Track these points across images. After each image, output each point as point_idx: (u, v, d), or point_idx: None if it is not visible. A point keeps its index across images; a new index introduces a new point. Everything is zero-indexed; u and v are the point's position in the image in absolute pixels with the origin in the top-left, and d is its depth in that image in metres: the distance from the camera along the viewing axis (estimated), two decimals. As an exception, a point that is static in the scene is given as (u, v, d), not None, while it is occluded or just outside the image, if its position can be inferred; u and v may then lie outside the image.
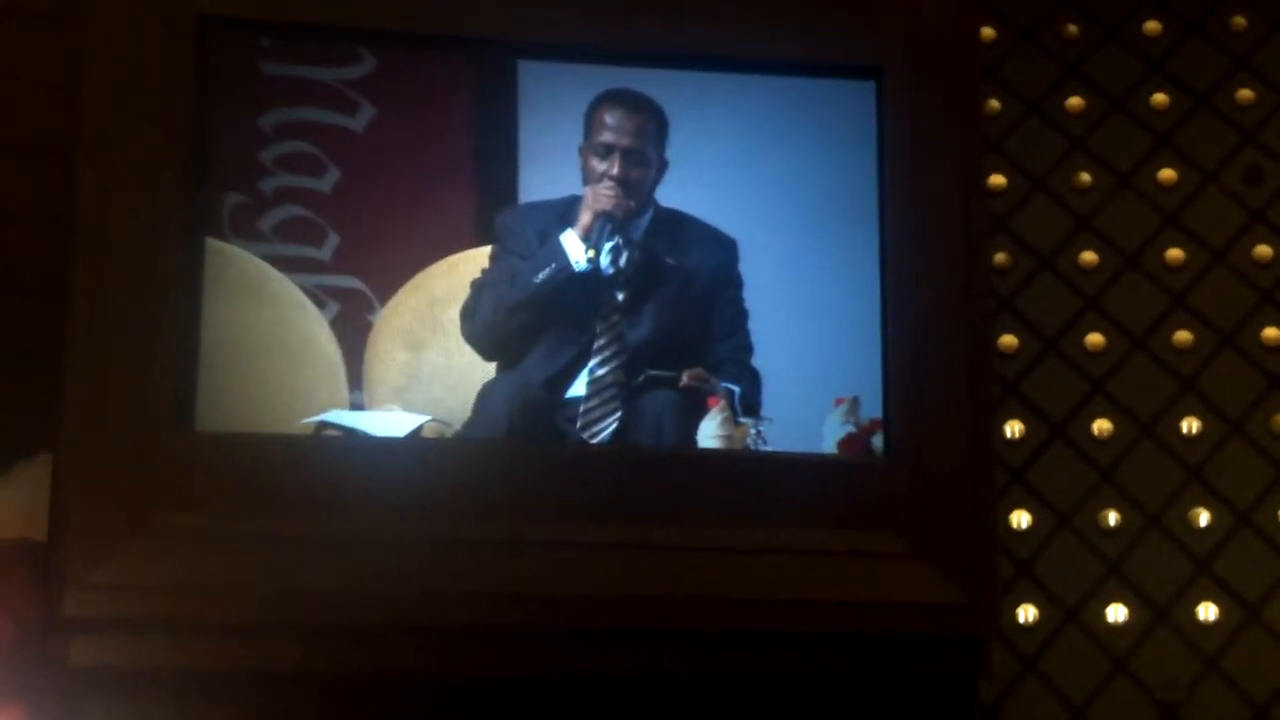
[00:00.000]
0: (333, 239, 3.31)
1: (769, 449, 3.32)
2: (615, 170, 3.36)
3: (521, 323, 3.32)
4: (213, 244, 3.20)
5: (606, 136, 3.38)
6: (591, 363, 3.32)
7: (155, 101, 3.15)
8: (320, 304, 3.27)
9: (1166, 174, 3.71)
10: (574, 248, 3.35)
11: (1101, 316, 3.61)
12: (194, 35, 3.21)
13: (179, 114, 3.17)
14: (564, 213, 3.38)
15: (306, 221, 3.31)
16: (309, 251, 3.30)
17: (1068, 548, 3.46)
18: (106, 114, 3.13)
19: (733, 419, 3.31)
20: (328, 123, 3.35)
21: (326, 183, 3.33)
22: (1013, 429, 3.51)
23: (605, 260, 3.36)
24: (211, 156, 3.24)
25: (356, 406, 3.25)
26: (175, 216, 3.14)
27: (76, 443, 2.98)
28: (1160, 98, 3.76)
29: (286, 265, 3.26)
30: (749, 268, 3.40)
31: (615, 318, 3.35)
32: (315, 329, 3.25)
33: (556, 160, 3.40)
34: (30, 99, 3.19)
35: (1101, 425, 3.53)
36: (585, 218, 3.36)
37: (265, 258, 3.24)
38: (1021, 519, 3.46)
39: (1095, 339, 3.58)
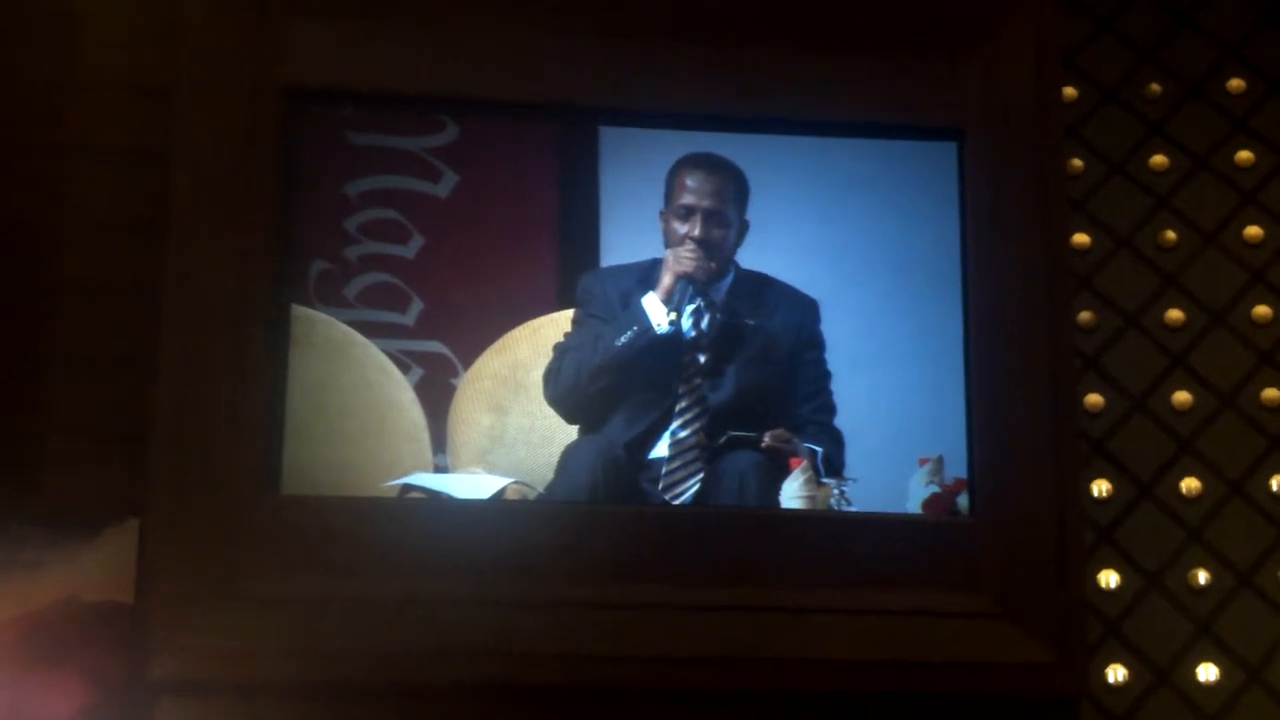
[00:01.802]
0: (417, 304, 3.35)
1: (853, 509, 3.31)
2: (696, 231, 3.38)
3: (604, 386, 3.34)
4: (298, 310, 3.24)
5: (687, 198, 3.40)
6: (674, 425, 3.33)
7: (242, 171, 3.22)
8: (404, 368, 3.30)
9: (1252, 231, 3.66)
10: (655, 310, 3.36)
11: (1189, 374, 3.56)
12: (280, 106, 3.27)
13: (265, 183, 3.24)
14: (645, 276, 3.40)
15: (391, 287, 3.35)
16: (393, 317, 3.34)
17: (1157, 607, 3.41)
18: (194, 184, 3.19)
19: (816, 479, 3.30)
20: (412, 190, 3.40)
21: (410, 249, 3.38)
22: (1100, 488, 3.47)
23: (687, 323, 3.37)
24: (297, 224, 3.29)
25: (441, 469, 3.27)
26: (261, 284, 3.19)
27: (164, 506, 3.03)
28: (1245, 154, 3.72)
29: (371, 330, 3.30)
30: (831, 328, 3.41)
31: (697, 380, 3.36)
32: (399, 393, 3.28)
33: (638, 224, 3.43)
34: (120, 170, 3.25)
35: (1190, 484, 3.48)
36: (666, 280, 3.38)
37: (350, 323, 3.29)
38: (1110, 578, 3.41)
39: (1182, 397, 3.54)
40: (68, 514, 3.02)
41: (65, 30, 3.26)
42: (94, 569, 3.00)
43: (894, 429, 3.37)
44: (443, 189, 3.41)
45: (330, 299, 3.29)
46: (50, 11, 3.25)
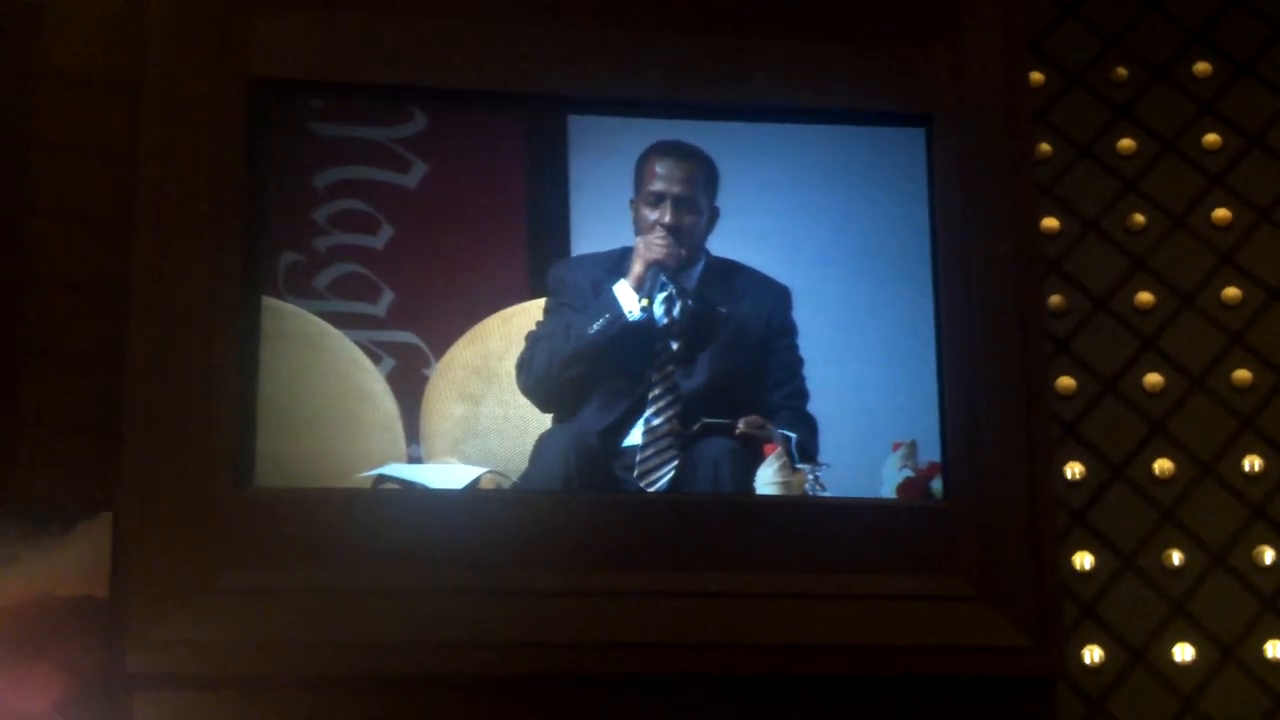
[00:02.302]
0: (387, 295, 3.34)
1: (827, 494, 3.31)
2: (667, 218, 3.38)
3: (577, 374, 3.33)
4: (269, 302, 3.23)
5: (657, 185, 3.40)
6: (647, 412, 3.33)
7: (210, 164, 3.20)
8: (376, 359, 3.29)
9: (1220, 213, 3.68)
10: (627, 298, 3.36)
11: (1159, 356, 3.58)
12: (247, 98, 3.25)
13: (233, 176, 3.22)
14: (616, 264, 3.40)
15: (361, 278, 3.33)
16: (364, 308, 3.32)
17: (1132, 588, 3.42)
18: (162, 178, 3.17)
19: (790, 465, 3.30)
20: (380, 180, 3.39)
21: (380, 240, 3.36)
22: (1073, 470, 3.48)
23: (659, 310, 3.37)
24: (266, 217, 3.27)
25: (414, 459, 3.26)
26: (231, 277, 3.18)
27: (137, 500, 3.01)
28: (1212, 138, 3.74)
29: (342, 322, 3.29)
30: (803, 314, 3.41)
31: (670, 367, 3.35)
32: (372, 384, 3.27)
33: (608, 212, 3.43)
34: (88, 164, 3.23)
35: (1162, 465, 3.49)
36: (637, 267, 3.37)
37: (321, 315, 3.28)
38: (1084, 560, 3.42)
39: (1154, 379, 3.55)
40: (41, 508, 3.00)
41: (30, 23, 3.23)
42: (68, 563, 2.98)
43: (867, 414, 3.37)
44: (411, 179, 3.40)
45: (300, 290, 3.28)
46: (15, 3, 3.22)
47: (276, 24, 3.31)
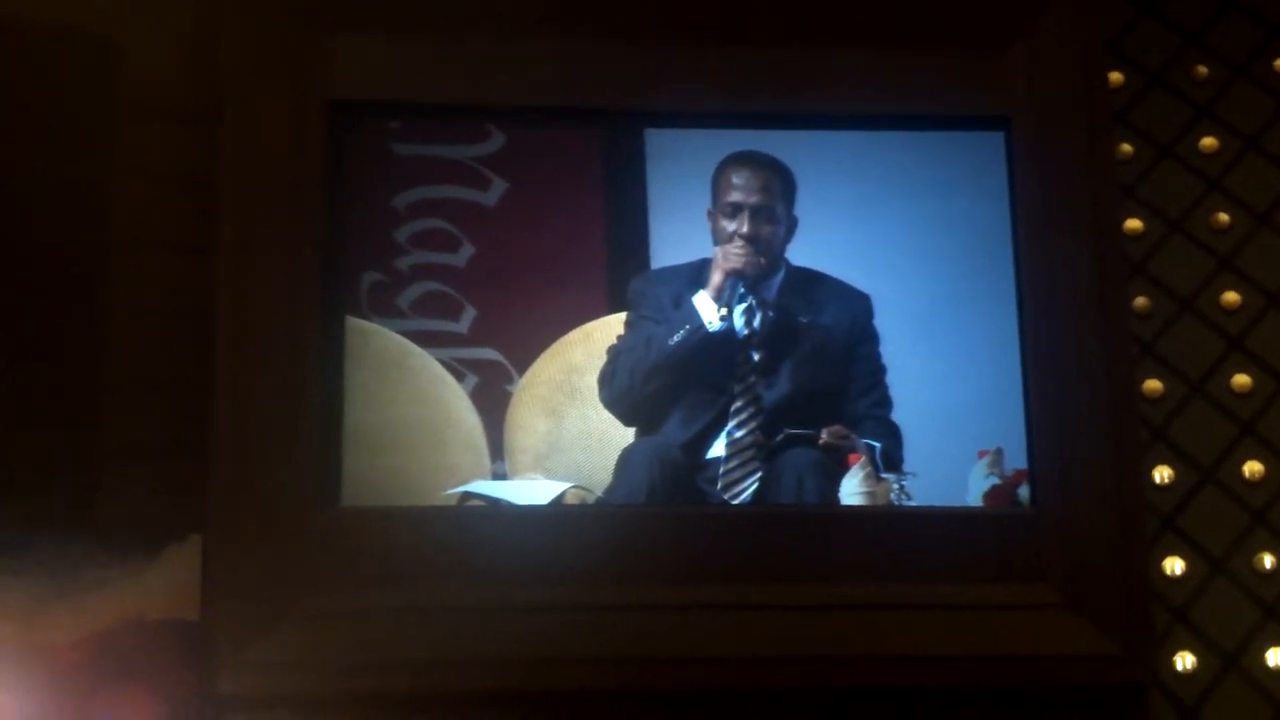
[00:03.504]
0: (469, 312, 3.35)
1: (913, 504, 3.29)
2: (744, 228, 3.38)
3: (659, 386, 3.33)
4: (352, 323, 3.25)
5: (734, 195, 3.40)
6: (729, 424, 3.33)
7: (291, 186, 3.24)
8: (459, 376, 3.31)
9: (1307, 210, 3.65)
10: (707, 309, 3.36)
11: (1247, 357, 3.53)
12: (326, 120, 3.28)
13: (314, 198, 3.25)
14: (696, 275, 3.40)
15: (443, 296, 3.35)
16: (447, 325, 3.34)
17: (1223, 593, 3.38)
18: (244, 202, 3.20)
19: (875, 475, 3.29)
20: (460, 199, 3.41)
21: (461, 258, 3.38)
22: (1161, 474, 3.44)
23: (739, 321, 3.37)
24: (348, 237, 3.30)
25: (499, 476, 3.28)
26: (315, 298, 3.21)
27: (225, 522, 3.04)
28: (1295, 133, 3.70)
29: (425, 340, 3.31)
30: (885, 322, 3.40)
31: (752, 378, 3.35)
32: (456, 401, 3.29)
33: (686, 224, 3.43)
34: (170, 192, 3.26)
35: (1252, 467, 3.45)
36: (716, 278, 3.38)
37: (404, 333, 3.31)
38: (1175, 565, 3.38)
39: (1242, 380, 3.50)
40: (130, 532, 3.04)
41: (110, 53, 3.27)
42: (158, 587, 3.01)
43: (952, 422, 3.36)
44: (491, 197, 3.42)
45: (384, 310, 3.31)
46: (94, 39, 3.26)
47: (353, 46, 3.34)
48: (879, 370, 3.38)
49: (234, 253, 3.18)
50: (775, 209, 3.41)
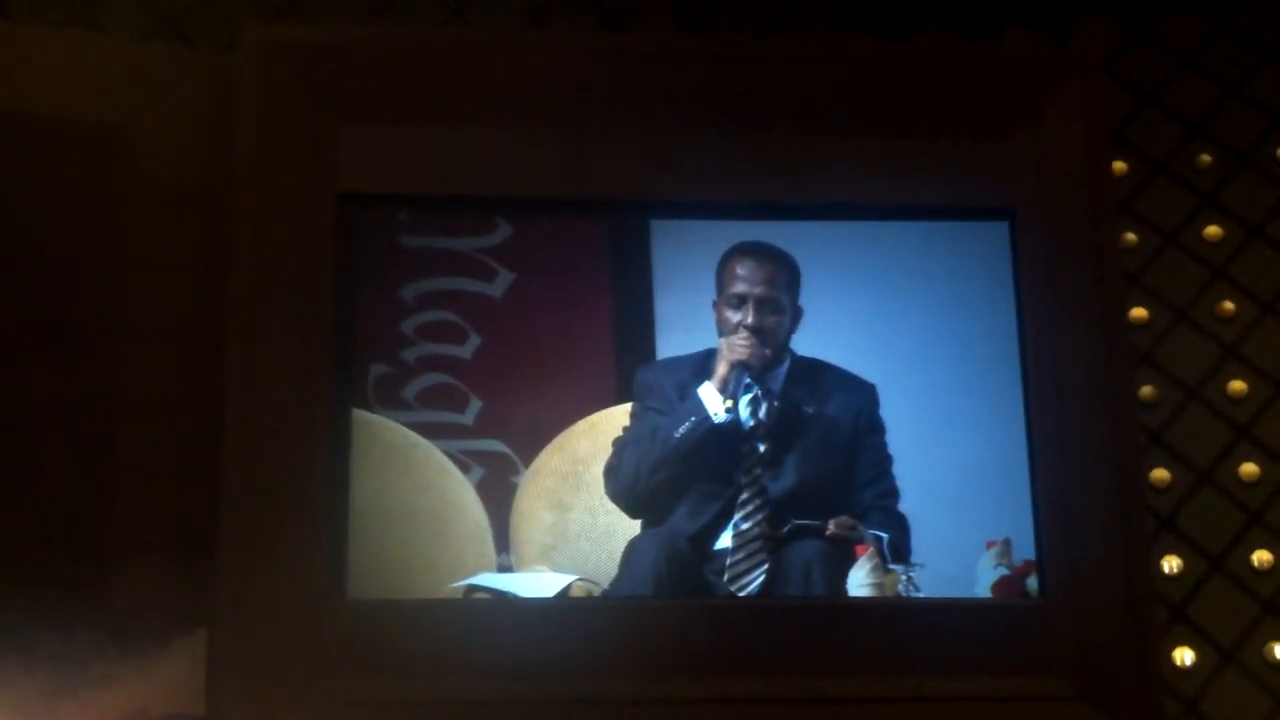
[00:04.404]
0: (475, 404, 3.36)
1: (922, 595, 3.28)
2: (750, 319, 3.39)
3: (664, 478, 3.33)
4: (359, 415, 3.26)
5: (739, 287, 3.41)
6: (736, 516, 3.32)
7: (299, 278, 3.25)
8: (465, 468, 3.31)
9: (1313, 299, 3.65)
10: (712, 400, 3.36)
11: (1254, 446, 3.53)
12: (335, 212, 3.30)
13: (323, 289, 3.27)
14: (701, 366, 3.40)
15: (449, 388, 3.36)
16: (452, 417, 3.35)
17: (1234, 684, 3.36)
18: (252, 292, 3.22)
19: (883, 566, 3.28)
20: (467, 290, 3.42)
21: (467, 349, 3.39)
22: (1170, 564, 3.43)
23: (745, 411, 3.37)
24: (355, 329, 3.31)
25: (504, 568, 3.28)
26: (323, 389, 3.22)
27: (231, 616, 3.03)
28: (1301, 222, 3.71)
29: (431, 432, 3.31)
30: (890, 412, 3.40)
31: (757, 470, 3.35)
32: (461, 493, 3.29)
33: (692, 316, 3.44)
34: (178, 281, 3.27)
35: (1261, 556, 3.43)
36: (722, 369, 3.38)
37: (410, 425, 3.31)
38: (1185, 656, 3.37)
39: (1249, 469, 3.50)
40: (137, 626, 3.03)
41: (122, 144, 3.29)
42: (164, 681, 3.00)
43: (959, 512, 3.35)
44: (497, 288, 3.43)
45: (390, 402, 3.31)
46: (103, 127, 3.29)
47: (362, 138, 3.36)
48: (885, 460, 3.37)
49: (242, 342, 3.19)
50: (780, 300, 3.42)
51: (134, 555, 3.10)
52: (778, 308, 3.42)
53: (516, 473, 3.34)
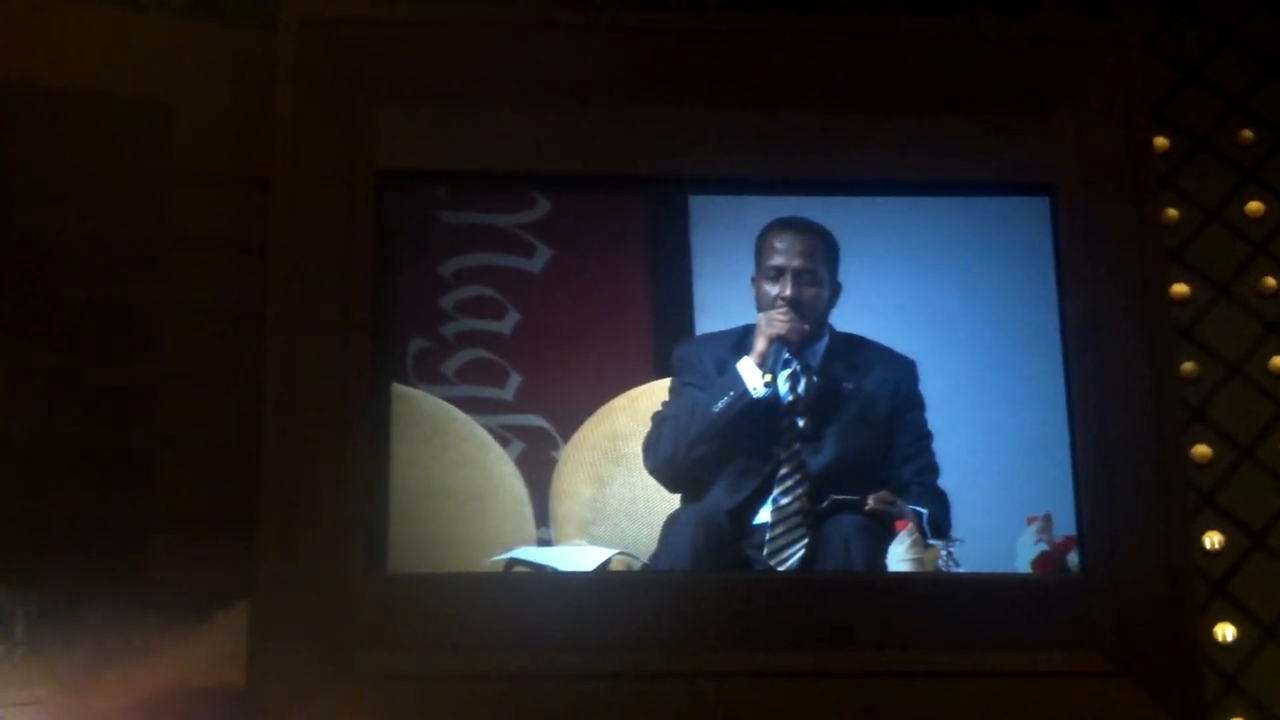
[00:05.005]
0: (514, 379, 3.36)
1: (961, 570, 3.27)
2: (788, 292, 3.38)
3: (704, 453, 3.33)
4: (398, 389, 3.27)
5: (777, 260, 3.40)
6: (775, 491, 3.32)
7: (338, 254, 3.26)
8: (505, 443, 3.32)
9: (1355, 273, 3.63)
10: (751, 375, 3.36)
11: (1296, 422, 3.53)
12: (374, 189, 3.30)
13: (362, 265, 3.27)
14: (740, 341, 3.40)
15: (488, 363, 3.37)
16: (492, 392, 3.35)
17: (1276, 659, 3.35)
18: (292, 269, 3.22)
19: (922, 541, 3.27)
20: (505, 266, 3.42)
21: (506, 325, 3.40)
22: (1211, 540, 3.42)
23: (784, 387, 3.37)
24: (394, 305, 3.32)
25: (544, 542, 3.28)
26: (361, 365, 3.22)
27: (272, 588, 3.04)
28: (1343, 197, 3.69)
29: (470, 406, 3.32)
30: (930, 388, 3.39)
31: (796, 445, 3.34)
32: (501, 467, 3.29)
33: (731, 291, 3.43)
34: (218, 258, 3.29)
35: (1303, 532, 3.44)
36: (760, 343, 3.37)
37: (449, 400, 3.32)
38: (1226, 631, 3.35)
39: (1292, 444, 3.50)
40: (177, 599, 3.05)
41: (159, 122, 3.31)
42: (205, 653, 3.02)
43: (999, 487, 3.34)
44: (535, 264, 3.44)
45: (429, 377, 3.32)
46: (144, 104, 3.30)
47: (401, 115, 3.36)
48: (924, 436, 3.37)
49: (282, 319, 3.20)
50: (819, 273, 3.41)
51: (175, 528, 3.13)
52: (816, 279, 3.41)
53: (556, 447, 3.35)
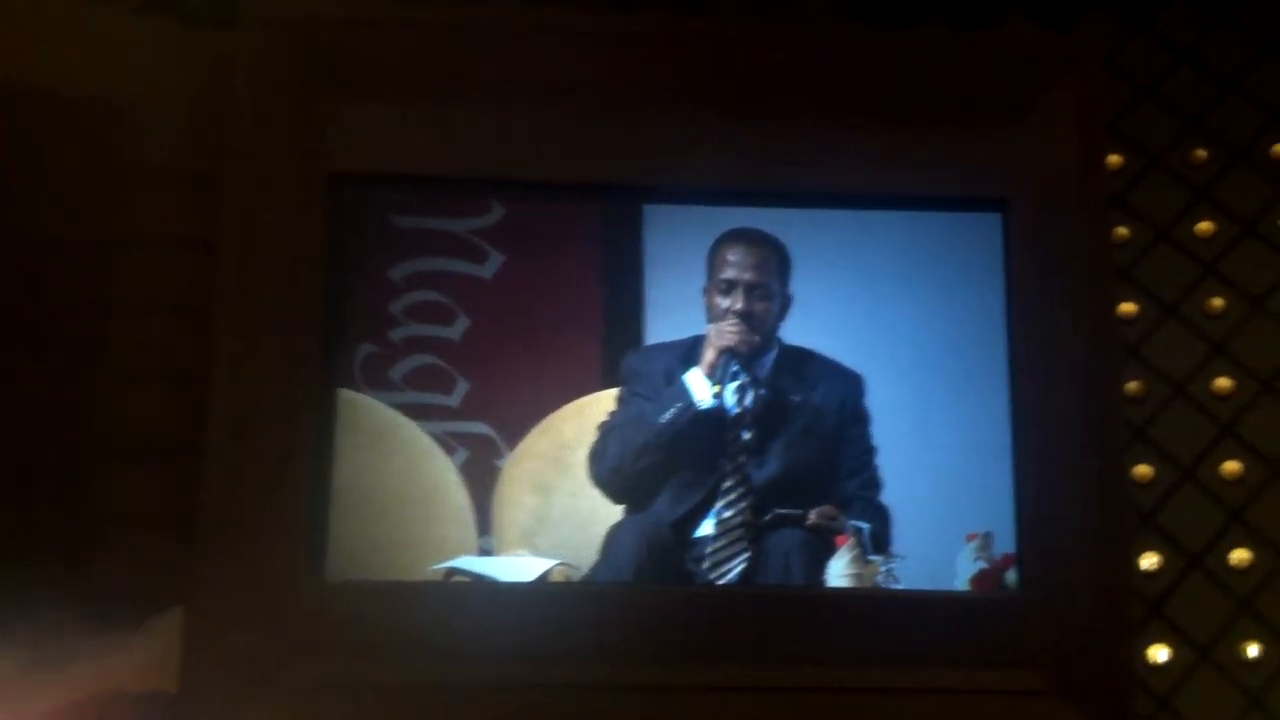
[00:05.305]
0: (462, 386, 3.37)
1: (900, 587, 3.29)
2: (739, 305, 3.39)
3: (649, 464, 3.34)
4: (345, 394, 3.27)
5: (729, 273, 3.41)
6: (718, 504, 3.33)
7: (289, 256, 3.26)
8: (450, 450, 3.32)
9: (1302, 297, 3.64)
10: (699, 386, 3.37)
11: (1238, 443, 3.53)
12: (327, 191, 3.31)
13: (312, 268, 3.28)
14: (689, 353, 3.41)
15: (436, 369, 3.37)
16: (439, 399, 3.36)
17: (1208, 681, 3.37)
18: (241, 270, 3.23)
19: (862, 557, 3.29)
20: (457, 271, 3.43)
21: (456, 331, 3.40)
22: (1149, 560, 3.44)
23: (731, 399, 3.38)
24: (344, 308, 3.32)
25: (486, 551, 3.29)
26: (309, 368, 3.23)
27: (209, 593, 3.05)
28: (1293, 220, 3.71)
29: (416, 413, 3.33)
30: (876, 403, 3.40)
31: (741, 458, 3.36)
32: (445, 475, 3.30)
33: (682, 302, 3.45)
34: (168, 258, 3.29)
35: (1240, 554, 3.44)
36: (709, 355, 3.39)
37: (396, 406, 3.32)
38: (1160, 653, 3.38)
39: (1232, 466, 3.50)
40: (113, 604, 3.05)
41: (110, 122, 3.30)
42: (140, 658, 3.02)
43: (941, 505, 3.36)
44: (487, 270, 3.44)
45: (376, 382, 3.32)
46: (95, 103, 3.30)
47: (356, 118, 3.36)
48: (869, 451, 3.38)
49: (230, 320, 3.20)
50: (770, 286, 3.42)
51: (113, 534, 3.13)
52: (767, 293, 3.42)
53: (501, 456, 3.35)
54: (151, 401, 3.21)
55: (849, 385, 3.42)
